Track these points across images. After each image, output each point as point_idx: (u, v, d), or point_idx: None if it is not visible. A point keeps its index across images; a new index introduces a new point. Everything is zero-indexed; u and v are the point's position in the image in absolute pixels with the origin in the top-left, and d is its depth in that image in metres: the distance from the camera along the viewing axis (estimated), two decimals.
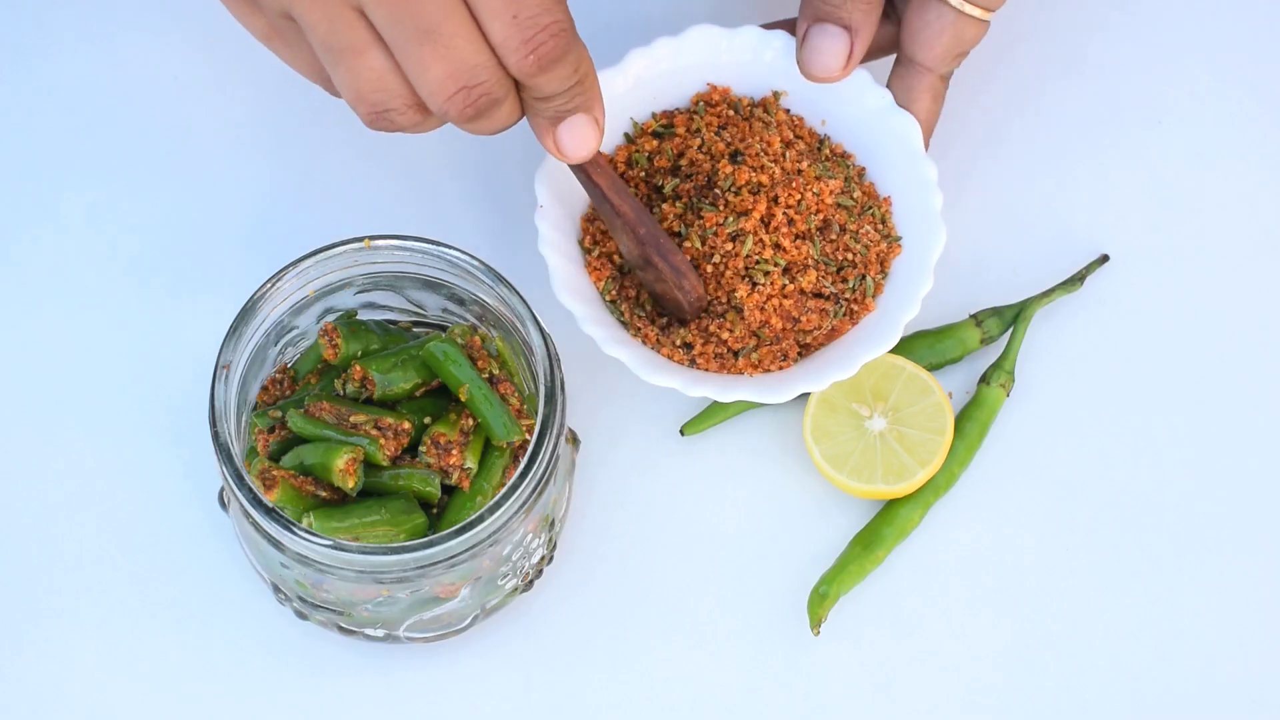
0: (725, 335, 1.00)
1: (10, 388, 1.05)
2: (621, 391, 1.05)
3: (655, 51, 1.04)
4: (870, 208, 1.03)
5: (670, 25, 1.07)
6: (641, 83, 1.04)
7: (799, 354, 1.02)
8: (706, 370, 1.01)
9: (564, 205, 1.02)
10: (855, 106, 1.04)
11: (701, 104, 1.05)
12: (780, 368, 1.01)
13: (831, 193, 1.01)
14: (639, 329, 1.02)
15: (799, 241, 1.00)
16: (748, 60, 1.05)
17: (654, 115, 1.05)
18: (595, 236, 1.03)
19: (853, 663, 1.01)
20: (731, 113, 1.04)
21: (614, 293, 1.02)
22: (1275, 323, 1.07)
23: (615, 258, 1.03)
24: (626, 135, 1.05)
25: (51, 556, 1.02)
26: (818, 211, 1.01)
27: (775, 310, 1.00)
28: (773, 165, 1.01)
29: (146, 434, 1.04)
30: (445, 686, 1.01)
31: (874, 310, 1.02)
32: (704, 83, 1.05)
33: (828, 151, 1.04)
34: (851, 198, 1.02)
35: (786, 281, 1.00)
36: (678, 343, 1.01)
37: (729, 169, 1.01)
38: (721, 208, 1.01)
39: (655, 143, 1.04)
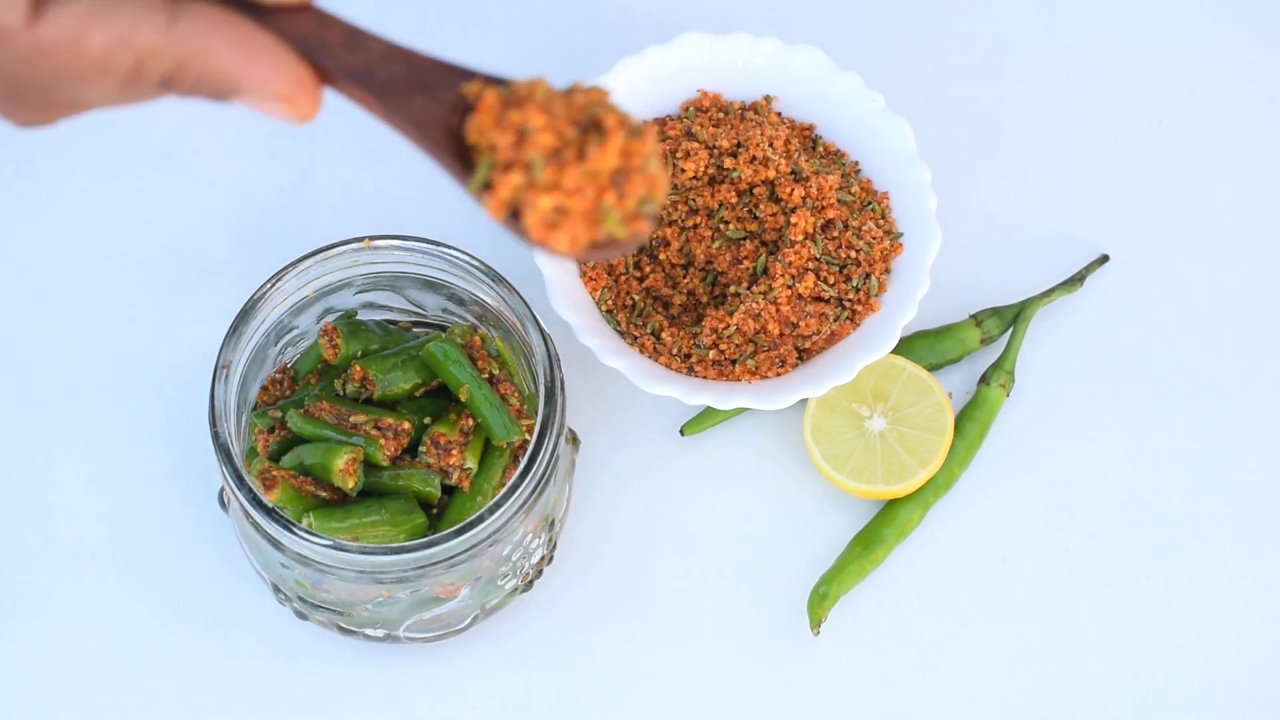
0: (722, 345, 1.00)
1: (10, 387, 1.05)
2: (622, 391, 1.05)
3: (645, 60, 1.04)
4: (870, 203, 1.03)
5: (663, 32, 1.07)
6: (632, 91, 1.04)
7: (797, 359, 1.01)
8: (705, 378, 1.01)
9: None
10: (846, 111, 1.04)
11: (692, 109, 1.05)
12: (778, 374, 1.01)
13: (832, 188, 1.01)
14: (636, 338, 1.01)
15: (798, 245, 1.00)
16: (738, 66, 1.04)
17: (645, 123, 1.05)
18: None
19: (853, 663, 1.01)
20: (723, 115, 1.04)
21: (610, 302, 1.02)
22: (1275, 322, 1.07)
23: (611, 267, 1.03)
24: None
25: (51, 556, 1.02)
26: (821, 208, 1.01)
27: (772, 316, 1.00)
28: (777, 158, 1.01)
29: (147, 434, 1.04)
30: (445, 686, 1.01)
31: (878, 310, 1.01)
32: (695, 89, 1.05)
33: (821, 149, 1.04)
34: (850, 193, 1.02)
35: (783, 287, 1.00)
36: (675, 351, 1.01)
37: (731, 161, 1.01)
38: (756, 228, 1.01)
39: None
